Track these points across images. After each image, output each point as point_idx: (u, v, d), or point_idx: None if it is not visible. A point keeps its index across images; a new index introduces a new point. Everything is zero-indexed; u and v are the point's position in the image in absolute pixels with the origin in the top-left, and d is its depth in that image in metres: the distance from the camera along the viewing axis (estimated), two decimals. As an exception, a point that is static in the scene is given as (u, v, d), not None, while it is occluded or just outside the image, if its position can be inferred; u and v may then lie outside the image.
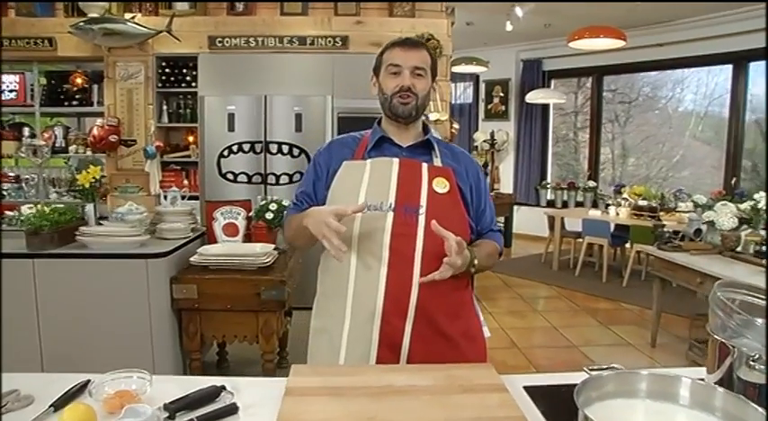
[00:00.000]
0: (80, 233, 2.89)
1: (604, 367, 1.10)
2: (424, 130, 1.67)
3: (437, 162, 1.59)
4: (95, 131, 4.81)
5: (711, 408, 1.00)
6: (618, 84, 8.91)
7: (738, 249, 3.88)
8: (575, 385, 1.03)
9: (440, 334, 1.46)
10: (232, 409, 1.09)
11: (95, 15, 4.69)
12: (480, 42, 8.45)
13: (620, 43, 6.02)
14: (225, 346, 3.58)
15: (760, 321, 1.13)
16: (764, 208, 3.93)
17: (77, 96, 5.31)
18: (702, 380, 1.09)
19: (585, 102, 9.19)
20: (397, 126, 1.61)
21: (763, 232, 4.00)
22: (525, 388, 1.21)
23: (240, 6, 4.96)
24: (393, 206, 1.47)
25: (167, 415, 1.05)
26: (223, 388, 1.16)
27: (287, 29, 4.91)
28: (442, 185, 1.52)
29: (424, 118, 1.68)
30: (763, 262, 3.44)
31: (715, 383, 1.08)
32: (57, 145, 5.22)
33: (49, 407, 1.10)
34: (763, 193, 4.03)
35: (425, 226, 1.45)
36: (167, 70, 5.06)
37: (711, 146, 8.17)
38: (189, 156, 5.12)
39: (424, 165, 1.55)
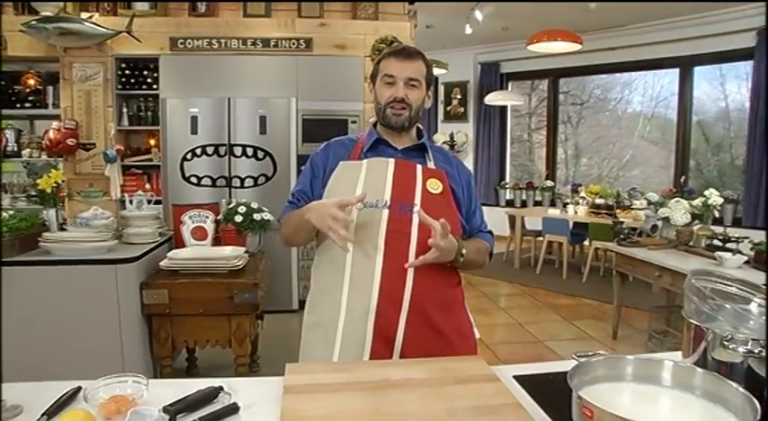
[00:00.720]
0: (43, 239, 2.81)
1: (590, 353, 1.16)
2: (417, 135, 1.70)
3: (431, 164, 1.64)
4: (51, 134, 4.65)
5: (691, 388, 1.07)
6: (570, 86, 9.19)
7: (691, 243, 4.07)
8: (561, 373, 1.08)
9: (433, 329, 1.50)
10: (233, 409, 1.09)
11: (49, 14, 4.54)
12: (440, 45, 8.57)
13: (576, 46, 6.21)
14: (194, 352, 3.54)
15: (730, 305, 1.21)
16: (714, 204, 4.13)
17: (30, 98, 5.13)
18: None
19: (539, 103, 9.44)
20: (391, 133, 1.65)
21: (713, 227, 4.21)
22: (515, 377, 1.25)
23: (202, 7, 4.89)
24: (388, 203, 1.51)
25: (168, 417, 1.04)
26: (221, 388, 1.16)
27: (250, 30, 4.87)
28: (435, 186, 1.57)
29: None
30: (715, 254, 3.61)
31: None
32: (8, 149, 5.03)
33: (42, 415, 1.07)
34: (713, 190, 4.24)
35: (419, 223, 1.49)
36: (127, 72, 4.94)
37: (658, 146, 8.51)
38: (151, 160, 5.02)
39: (419, 167, 1.59)
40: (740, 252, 3.69)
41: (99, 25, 4.63)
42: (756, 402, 0.93)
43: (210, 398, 1.14)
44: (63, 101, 4.84)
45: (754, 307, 1.22)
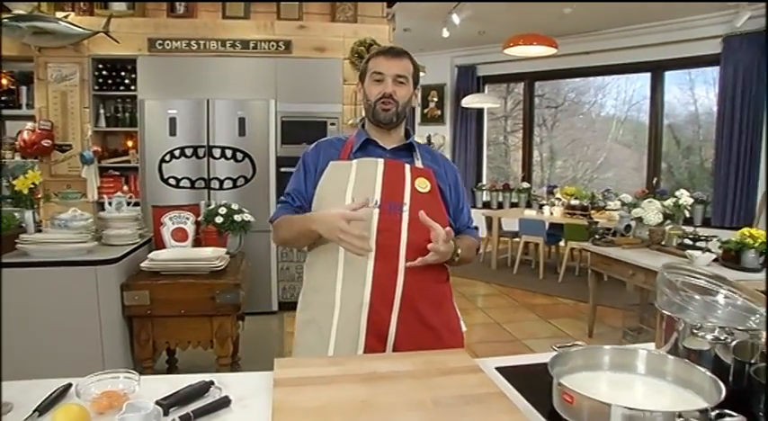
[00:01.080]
0: (21, 241, 2.78)
1: (569, 345, 1.21)
2: (405, 135, 1.76)
3: (419, 164, 1.69)
4: (26, 135, 4.59)
5: (663, 374, 1.13)
6: (545, 89, 9.32)
7: (663, 242, 4.18)
8: (541, 364, 1.14)
9: (423, 324, 1.56)
10: (225, 402, 1.12)
11: (22, 12, 4.47)
12: (417, 48, 8.63)
13: (551, 50, 6.34)
14: (174, 353, 3.53)
15: (699, 297, 1.28)
16: (685, 204, 4.26)
17: (2, 98, 5.05)
18: (654, 354, 1.22)
19: (515, 106, 9.57)
20: (381, 130, 1.69)
21: (684, 227, 4.34)
22: (497, 368, 1.30)
23: (180, 8, 4.88)
24: (379, 203, 1.56)
25: (162, 410, 1.06)
26: (212, 383, 1.18)
27: (229, 32, 4.88)
28: (423, 185, 1.62)
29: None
30: (685, 253, 3.72)
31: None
32: (-24, 150, 4.95)
33: (34, 411, 1.09)
34: (684, 191, 4.38)
35: (409, 222, 1.55)
36: (104, 72, 4.90)
37: (631, 149, 8.68)
38: (128, 162, 4.97)
39: (407, 166, 1.65)
40: (709, 250, 3.82)
41: (75, 25, 4.58)
42: (722, 384, 1.00)
43: (202, 392, 1.16)
44: (38, 101, 4.78)
45: (720, 298, 1.30)
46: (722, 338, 1.13)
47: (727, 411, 0.91)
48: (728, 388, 0.99)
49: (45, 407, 1.11)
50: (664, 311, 1.26)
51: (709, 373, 1.05)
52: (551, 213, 6.79)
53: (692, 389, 1.07)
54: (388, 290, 1.52)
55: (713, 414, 0.91)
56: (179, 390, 1.14)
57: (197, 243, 3.30)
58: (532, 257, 7.12)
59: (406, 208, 1.56)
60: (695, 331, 1.17)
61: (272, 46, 4.93)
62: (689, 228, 4.33)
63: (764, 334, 1.16)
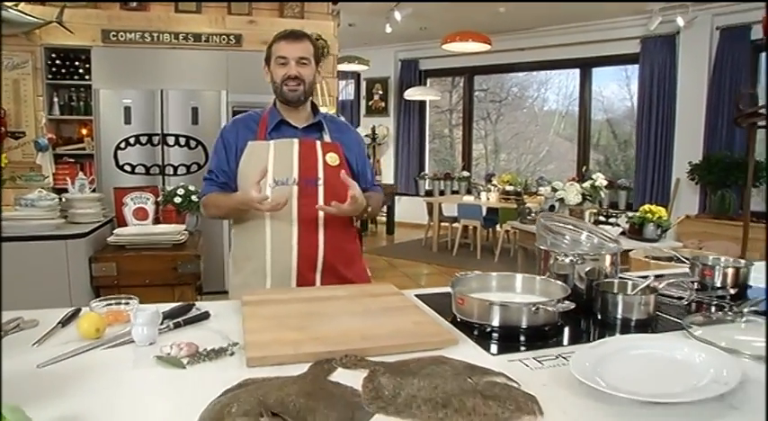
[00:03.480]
0: (-9, 218, 2.98)
1: (467, 273, 1.60)
2: (313, 110, 1.99)
3: (327, 138, 1.95)
4: (-22, 123, 4.69)
5: (533, 290, 1.53)
6: (489, 83, 9.69)
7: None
8: (449, 293, 1.51)
9: (341, 279, 1.88)
10: (205, 316, 1.46)
11: (-30, 0, 4.56)
12: (362, 42, 8.99)
13: (486, 47, 6.81)
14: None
15: (568, 236, 1.70)
16: (600, 186, 4.80)
17: (-49, 86, 5.10)
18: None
19: (459, 100, 9.99)
20: (289, 108, 1.92)
21: (611, 210, 4.89)
22: (416, 295, 1.68)
23: (133, 1, 5.06)
24: (296, 180, 1.83)
25: (161, 314, 1.38)
26: (193, 304, 1.52)
27: (182, 26, 5.10)
28: (333, 159, 1.89)
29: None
30: (598, 228, 4.24)
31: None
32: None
33: (57, 324, 1.40)
34: (599, 174, 4.92)
35: (324, 194, 1.83)
36: (58, 62, 5.03)
37: (572, 142, 9.10)
38: (84, 149, 5.13)
39: (318, 143, 1.90)
40: (619, 225, 4.36)
41: (27, 13, 4.68)
42: (568, 287, 1.42)
43: (186, 310, 1.49)
44: (-12, 89, 4.87)
45: (583, 236, 1.71)
46: (576, 261, 1.55)
47: (565, 299, 1.33)
48: (581, 298, 1.40)
49: (65, 321, 1.42)
50: (542, 247, 1.67)
51: (560, 283, 1.47)
52: (488, 199, 7.29)
53: (551, 297, 1.48)
54: (312, 255, 1.83)
55: (554, 301, 1.32)
56: (167, 309, 1.46)
57: (156, 222, 3.55)
58: (471, 241, 7.61)
59: (320, 182, 1.83)
60: (559, 259, 1.59)
61: (224, 39, 5.19)
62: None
63: (608, 258, 1.59)
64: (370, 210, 1.89)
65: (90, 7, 4.97)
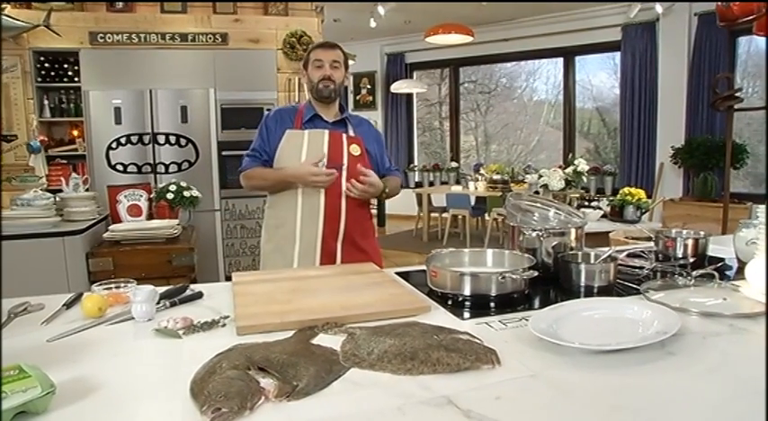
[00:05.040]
0: (-10, 218, 3.07)
1: (443, 251, 1.72)
2: (340, 109, 2.33)
3: (351, 132, 2.30)
4: (-30, 127, 4.76)
5: (503, 264, 1.66)
6: (477, 75, 9.73)
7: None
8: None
9: (360, 250, 2.22)
10: (199, 295, 1.57)
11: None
12: (347, 37, 9.07)
13: (469, 38, 6.92)
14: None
15: (537, 213, 1.82)
16: (582, 171, 4.93)
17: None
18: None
19: (448, 93, 10.10)
20: (322, 105, 2.27)
21: (582, 190, 5.02)
22: (396, 273, 1.80)
23: (119, 3, 5.13)
24: (325, 164, 2.15)
25: (158, 293, 1.49)
26: (187, 286, 1.63)
27: (168, 26, 5.17)
28: (355, 150, 2.24)
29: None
30: (580, 211, 4.37)
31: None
32: None
33: (62, 306, 1.51)
34: (581, 159, 5.04)
35: (347, 176, 2.17)
36: (47, 65, 5.09)
37: (562, 131, 9.32)
38: (76, 150, 5.20)
39: (344, 136, 2.24)
40: (600, 208, 4.50)
41: (14, 18, 4.74)
42: (533, 258, 1.54)
43: (180, 291, 1.60)
44: (-21, 93, 4.93)
45: (551, 213, 1.84)
46: (543, 235, 1.67)
47: (530, 269, 1.44)
48: (548, 270, 1.52)
49: (70, 304, 1.53)
50: (512, 224, 1.79)
51: (527, 255, 1.59)
52: (476, 188, 7.42)
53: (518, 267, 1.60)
54: (335, 224, 2.17)
55: (520, 270, 1.44)
56: (164, 290, 1.57)
57: (150, 218, 3.65)
58: (460, 230, 7.74)
59: (344, 167, 2.18)
60: (526, 233, 1.71)
61: (210, 38, 5.27)
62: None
63: (573, 232, 1.71)
64: (387, 190, 2.26)
65: (77, 10, 5.03)
